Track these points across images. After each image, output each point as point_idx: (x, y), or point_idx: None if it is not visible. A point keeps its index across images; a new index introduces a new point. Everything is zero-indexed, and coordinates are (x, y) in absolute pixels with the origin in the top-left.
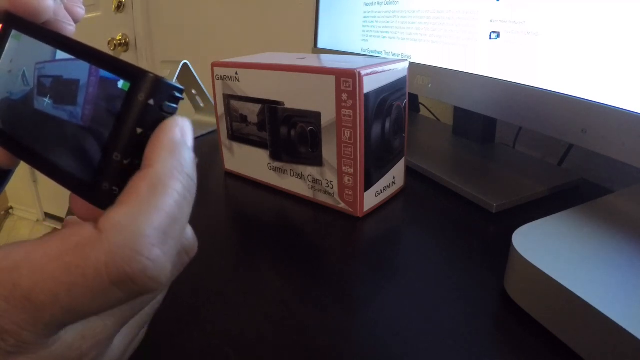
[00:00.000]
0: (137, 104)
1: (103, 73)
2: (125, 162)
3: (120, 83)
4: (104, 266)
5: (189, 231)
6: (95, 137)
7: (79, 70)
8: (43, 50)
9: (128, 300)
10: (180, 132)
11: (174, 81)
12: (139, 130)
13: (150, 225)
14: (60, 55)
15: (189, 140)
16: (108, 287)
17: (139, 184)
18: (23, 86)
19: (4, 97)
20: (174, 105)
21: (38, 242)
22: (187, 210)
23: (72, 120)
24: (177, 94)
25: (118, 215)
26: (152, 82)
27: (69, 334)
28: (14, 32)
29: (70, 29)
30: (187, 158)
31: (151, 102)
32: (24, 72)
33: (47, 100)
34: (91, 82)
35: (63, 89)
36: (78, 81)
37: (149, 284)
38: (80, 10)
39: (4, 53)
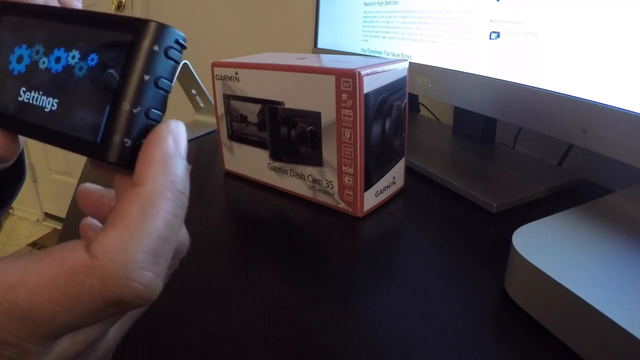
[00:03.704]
0: (141, 51)
1: (104, 32)
2: (135, 111)
3: (123, 35)
4: (99, 292)
5: (182, 232)
6: (101, 93)
7: (78, 34)
8: (38, 25)
9: (123, 314)
10: (174, 140)
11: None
12: (147, 77)
13: (141, 251)
14: (57, 25)
15: (182, 148)
16: (103, 308)
17: (129, 206)
18: (18, 63)
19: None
20: (179, 53)
21: (32, 263)
22: (179, 226)
23: (75, 80)
24: (181, 41)
25: (109, 241)
26: (155, 29)
27: (65, 340)
28: (6, 18)
29: (76, 4)
30: (179, 172)
31: (156, 48)
32: (19, 48)
33: (46, 68)
34: (92, 43)
35: (62, 55)
36: (78, 44)
37: (141, 303)
38: None
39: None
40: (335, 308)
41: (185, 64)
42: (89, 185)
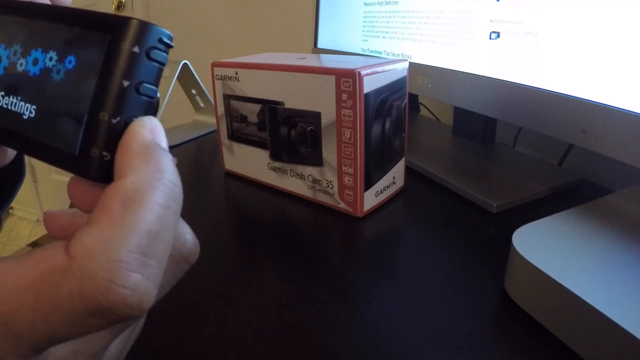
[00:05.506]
0: (120, 53)
1: (83, 31)
2: (113, 121)
3: (103, 35)
4: (77, 297)
5: (189, 237)
6: (79, 100)
7: (57, 33)
8: (18, 23)
9: (111, 326)
10: (150, 132)
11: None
12: (126, 83)
13: (126, 248)
14: (36, 23)
15: (162, 140)
16: (85, 317)
17: (110, 200)
18: None
19: None
20: (164, 54)
21: (12, 265)
22: (173, 222)
23: (53, 84)
24: (167, 40)
25: (89, 238)
26: (136, 28)
27: (60, 350)
28: None
29: (65, 0)
30: (166, 161)
31: (136, 49)
32: None
33: (23, 71)
34: (70, 43)
35: (40, 57)
36: (56, 45)
37: (130, 313)
38: None
39: None
40: (335, 308)
41: (185, 64)
42: (54, 209)
